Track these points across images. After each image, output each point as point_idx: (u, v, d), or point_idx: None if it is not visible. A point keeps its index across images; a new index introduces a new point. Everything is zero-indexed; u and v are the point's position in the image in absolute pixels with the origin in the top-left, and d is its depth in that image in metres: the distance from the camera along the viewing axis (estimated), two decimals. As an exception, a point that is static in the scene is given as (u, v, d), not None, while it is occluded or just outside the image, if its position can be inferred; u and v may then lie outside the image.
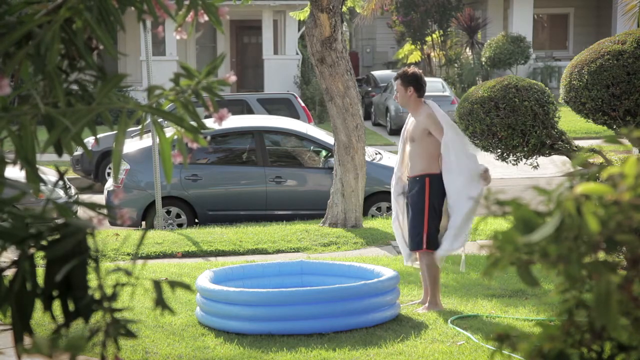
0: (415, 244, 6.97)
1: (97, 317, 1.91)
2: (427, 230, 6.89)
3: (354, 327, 6.48)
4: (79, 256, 1.87)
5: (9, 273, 1.90)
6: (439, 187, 6.89)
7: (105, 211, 2.00)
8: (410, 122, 7.10)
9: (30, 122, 1.99)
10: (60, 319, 1.92)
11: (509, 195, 1.59)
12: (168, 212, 11.75)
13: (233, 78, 2.14)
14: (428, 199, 6.88)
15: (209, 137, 11.70)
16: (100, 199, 13.03)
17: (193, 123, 2.09)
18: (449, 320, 6.66)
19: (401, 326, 6.57)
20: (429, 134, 6.88)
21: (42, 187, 2.07)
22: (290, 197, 11.92)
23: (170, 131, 2.18)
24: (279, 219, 11.68)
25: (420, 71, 7.18)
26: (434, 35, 31.43)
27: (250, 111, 17.04)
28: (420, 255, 7.01)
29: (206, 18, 2.27)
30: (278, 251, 9.86)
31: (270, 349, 6.05)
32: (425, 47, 31.84)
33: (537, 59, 29.58)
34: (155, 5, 2.16)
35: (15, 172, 2.11)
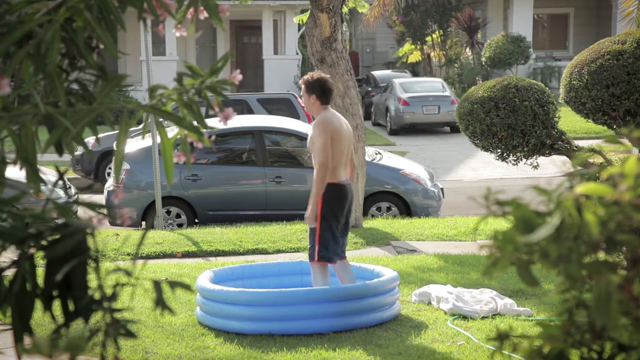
0: (309, 255, 6.76)
1: (97, 317, 1.91)
2: (319, 241, 6.62)
3: (354, 327, 6.48)
4: (79, 256, 1.87)
5: (9, 273, 1.90)
6: (334, 197, 6.63)
7: (105, 211, 2.00)
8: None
9: (30, 122, 1.98)
10: (60, 319, 1.92)
11: (509, 195, 1.59)
12: (168, 212, 11.74)
13: (239, 77, 2.12)
14: (321, 208, 6.63)
15: (213, 137, 11.69)
16: (100, 199, 13.03)
17: (195, 123, 2.08)
18: (449, 320, 6.66)
19: (401, 326, 6.57)
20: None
21: (42, 187, 2.07)
22: (290, 197, 11.90)
23: (171, 130, 2.17)
24: (279, 219, 11.67)
25: (327, 77, 6.73)
26: (434, 35, 31.44)
27: (250, 111, 17.03)
28: (311, 266, 6.77)
29: (206, 15, 2.26)
30: (278, 251, 9.86)
31: (270, 349, 6.05)
32: (425, 47, 31.84)
33: (537, 59, 29.59)
34: (155, 4, 2.16)
35: (15, 172, 2.11)
